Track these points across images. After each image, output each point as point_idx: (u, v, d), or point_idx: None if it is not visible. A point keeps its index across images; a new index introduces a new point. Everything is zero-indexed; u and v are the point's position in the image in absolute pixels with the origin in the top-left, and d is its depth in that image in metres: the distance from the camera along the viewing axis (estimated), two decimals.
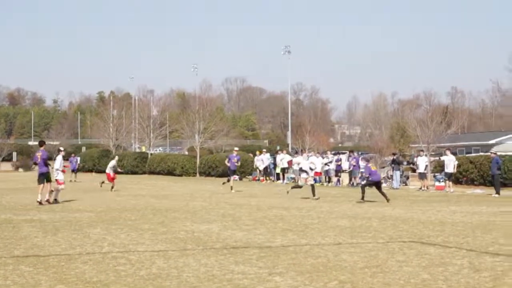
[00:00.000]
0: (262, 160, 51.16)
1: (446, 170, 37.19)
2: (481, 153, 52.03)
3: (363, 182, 29.95)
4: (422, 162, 39.80)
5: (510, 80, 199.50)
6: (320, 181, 45.13)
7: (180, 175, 63.21)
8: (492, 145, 67.29)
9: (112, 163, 38.32)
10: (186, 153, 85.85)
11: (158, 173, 67.14)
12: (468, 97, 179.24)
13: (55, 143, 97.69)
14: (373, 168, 28.58)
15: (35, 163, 27.88)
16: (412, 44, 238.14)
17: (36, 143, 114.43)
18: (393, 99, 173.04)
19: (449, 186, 36.39)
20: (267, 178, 50.35)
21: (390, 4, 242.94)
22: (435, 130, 49.77)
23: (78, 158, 62.26)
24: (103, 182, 38.51)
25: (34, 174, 31.80)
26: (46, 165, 26.41)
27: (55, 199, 26.71)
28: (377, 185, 27.99)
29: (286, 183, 46.36)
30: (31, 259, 11.93)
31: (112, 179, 36.96)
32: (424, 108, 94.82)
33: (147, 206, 24.88)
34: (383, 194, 27.62)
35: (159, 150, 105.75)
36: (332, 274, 10.40)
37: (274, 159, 51.63)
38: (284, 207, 24.08)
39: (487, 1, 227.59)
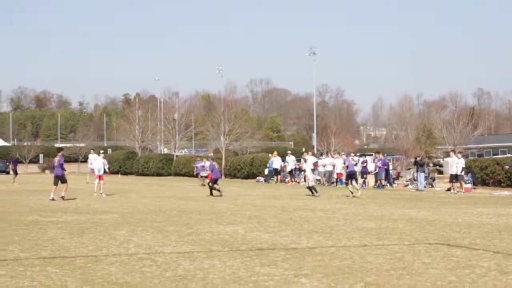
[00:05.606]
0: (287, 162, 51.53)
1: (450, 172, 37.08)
2: (508, 155, 51.65)
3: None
4: (453, 164, 37.71)
5: None
6: (341, 182, 45.03)
7: (206, 177, 63.28)
8: None
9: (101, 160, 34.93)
10: (212, 155, 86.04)
11: (184, 175, 67.22)
12: (495, 98, 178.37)
13: (81, 145, 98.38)
14: (217, 167, 33.67)
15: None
16: (438, 45, 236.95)
17: (63, 145, 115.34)
18: (418, 100, 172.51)
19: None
20: (293, 179, 50.26)
21: (415, 4, 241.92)
22: (462, 132, 49.47)
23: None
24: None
25: None
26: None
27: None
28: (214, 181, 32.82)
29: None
30: (58, 261, 11.98)
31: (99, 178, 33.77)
32: (450, 110, 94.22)
33: (172, 207, 24.92)
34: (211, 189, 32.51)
35: (185, 152, 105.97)
36: (358, 276, 10.35)
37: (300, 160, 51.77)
38: (309, 209, 24.03)
39: None
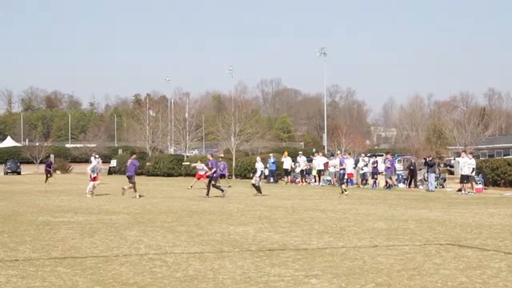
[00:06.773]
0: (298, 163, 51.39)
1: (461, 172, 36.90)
2: None
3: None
4: (464, 164, 37.05)
5: None
6: (352, 183, 45.01)
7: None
8: None
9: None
10: (222, 155, 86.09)
11: (194, 175, 67.11)
12: (506, 99, 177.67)
13: (92, 145, 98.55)
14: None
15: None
16: (448, 45, 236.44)
17: (73, 145, 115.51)
18: (429, 101, 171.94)
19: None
20: (303, 180, 50.21)
21: (425, 5, 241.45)
22: (472, 132, 49.29)
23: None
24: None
25: (71, 176, 32.17)
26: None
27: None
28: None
29: (322, 185, 46.31)
30: (69, 261, 12.01)
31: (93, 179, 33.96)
32: (460, 110, 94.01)
33: (183, 208, 24.95)
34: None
35: (195, 152, 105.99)
36: (368, 276, 10.35)
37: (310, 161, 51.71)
38: (320, 210, 24.02)
39: None
